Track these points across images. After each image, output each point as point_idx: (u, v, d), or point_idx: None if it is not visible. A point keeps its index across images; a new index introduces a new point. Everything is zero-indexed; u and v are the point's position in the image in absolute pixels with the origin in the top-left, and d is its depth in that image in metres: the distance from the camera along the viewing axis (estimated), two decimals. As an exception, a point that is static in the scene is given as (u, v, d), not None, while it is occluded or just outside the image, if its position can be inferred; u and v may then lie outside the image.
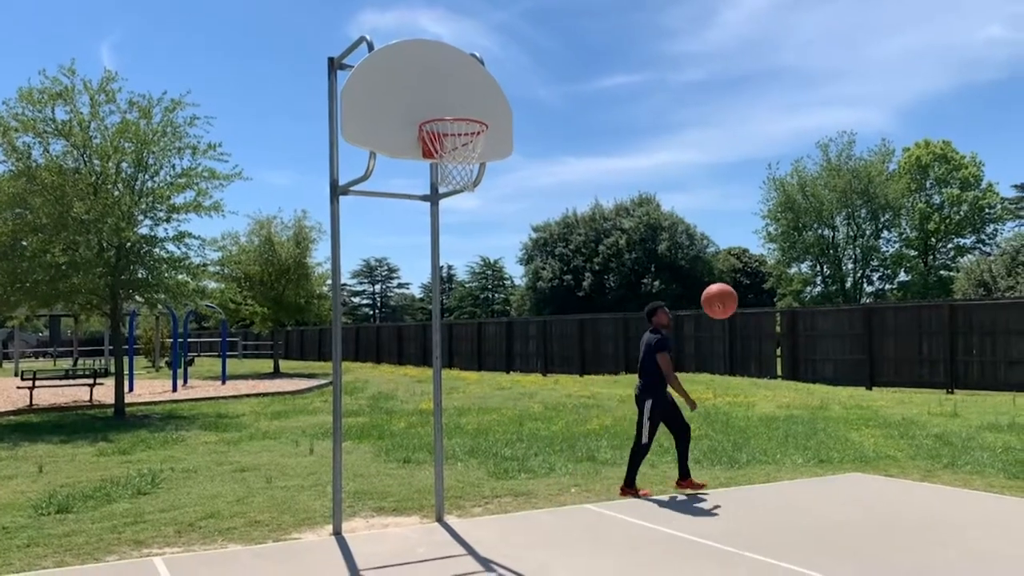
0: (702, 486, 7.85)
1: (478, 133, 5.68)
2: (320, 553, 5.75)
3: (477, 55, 6.39)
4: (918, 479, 8.27)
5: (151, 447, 11.21)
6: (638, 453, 7.65)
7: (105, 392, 19.01)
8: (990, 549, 5.59)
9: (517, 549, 5.72)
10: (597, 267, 54.66)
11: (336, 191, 6.27)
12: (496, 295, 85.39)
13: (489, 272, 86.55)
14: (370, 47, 5.94)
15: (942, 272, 53.63)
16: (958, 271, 51.50)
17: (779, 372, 23.36)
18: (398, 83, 5.86)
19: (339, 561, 5.53)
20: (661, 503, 7.27)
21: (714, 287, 7.94)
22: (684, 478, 7.80)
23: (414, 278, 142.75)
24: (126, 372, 17.80)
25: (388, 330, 42.21)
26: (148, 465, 9.55)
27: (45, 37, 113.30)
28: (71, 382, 19.38)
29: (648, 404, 7.68)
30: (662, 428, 7.87)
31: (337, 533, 6.23)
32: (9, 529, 6.56)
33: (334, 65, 6.27)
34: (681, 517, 6.65)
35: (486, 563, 5.43)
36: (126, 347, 20.03)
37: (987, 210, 53.33)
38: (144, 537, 6.27)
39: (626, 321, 28.34)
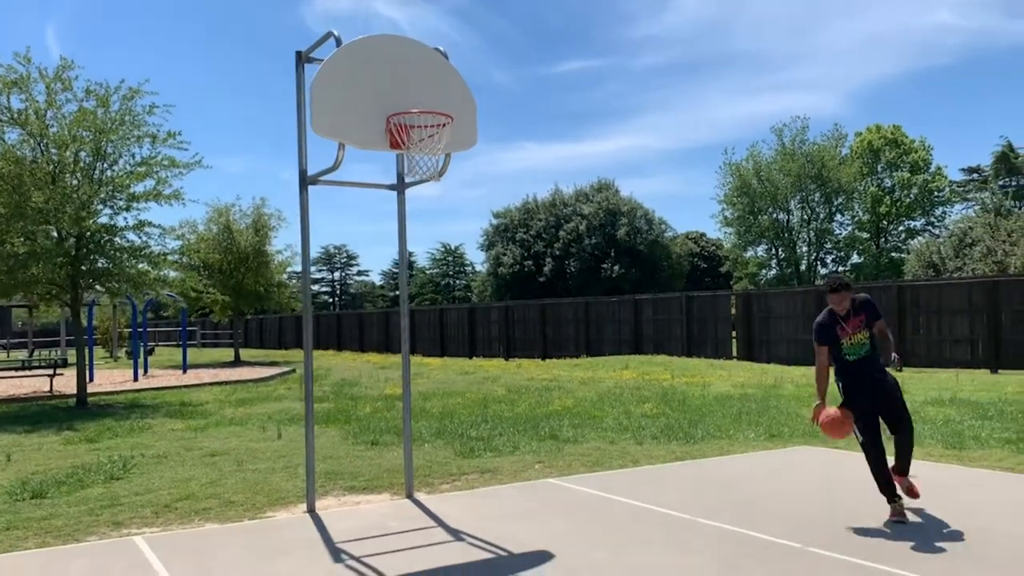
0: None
1: (443, 125, 5.93)
2: (296, 528, 5.99)
3: (441, 49, 6.63)
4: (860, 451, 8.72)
5: (118, 435, 11.29)
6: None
7: (65, 383, 18.90)
8: (909, 508, 6.02)
9: (484, 520, 6.02)
10: (558, 252, 55.11)
11: (305, 181, 6.48)
12: (457, 281, 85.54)
13: (450, 259, 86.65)
14: (338, 42, 6.14)
15: (893, 254, 55.05)
16: (908, 253, 52.91)
17: (735, 353, 23.97)
18: (365, 77, 6.07)
19: (315, 535, 5.79)
20: (620, 477, 7.62)
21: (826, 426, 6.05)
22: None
23: (374, 265, 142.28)
24: (87, 362, 17.70)
25: (349, 317, 42.21)
26: (118, 452, 9.66)
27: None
28: (29, 373, 19.22)
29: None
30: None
31: (311, 510, 6.48)
32: (-14, 514, 6.69)
33: (302, 59, 6.46)
34: (639, 489, 7.00)
35: (455, 533, 5.73)
36: (86, 337, 19.90)
37: (936, 193, 54.79)
38: (122, 519, 6.45)
39: (587, 305, 28.79)
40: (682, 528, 5.72)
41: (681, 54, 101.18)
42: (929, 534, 5.43)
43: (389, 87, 6.12)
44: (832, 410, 5.91)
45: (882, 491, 5.91)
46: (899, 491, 5.97)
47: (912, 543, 5.22)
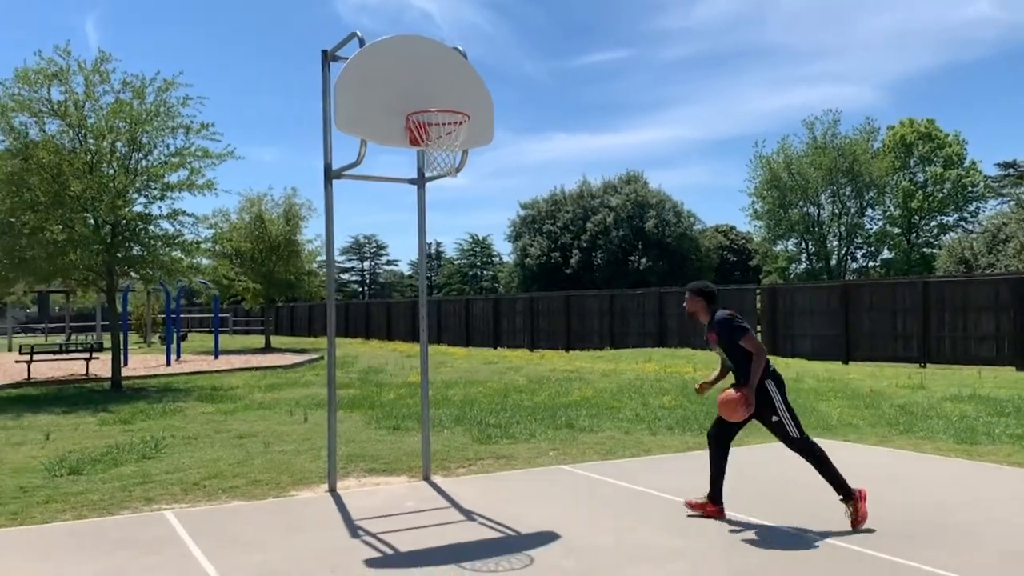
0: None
1: (461, 123, 6.16)
2: (318, 506, 6.30)
3: (460, 48, 6.86)
4: (873, 444, 8.87)
5: (151, 417, 11.71)
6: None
7: (101, 366, 19.48)
8: (907, 501, 6.18)
9: (496, 503, 6.28)
10: (585, 244, 55.17)
11: (330, 175, 6.76)
12: (484, 272, 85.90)
13: (477, 249, 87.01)
14: (361, 42, 6.40)
15: (925, 250, 54.46)
16: (940, 249, 52.34)
17: (759, 347, 23.97)
18: (387, 76, 6.33)
19: (335, 513, 6.08)
20: (632, 465, 7.84)
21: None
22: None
23: (402, 255, 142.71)
24: (121, 347, 18.24)
25: (377, 306, 42.70)
26: (150, 433, 10.06)
27: (28, 11, 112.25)
28: (67, 356, 19.81)
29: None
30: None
31: (332, 490, 6.78)
32: (27, 488, 7.07)
33: (327, 57, 6.73)
34: (649, 476, 7.22)
35: (468, 513, 6.00)
36: (121, 323, 20.45)
37: (970, 188, 54.05)
38: (153, 495, 6.80)
39: (611, 297, 28.94)
40: (685, 513, 5.93)
41: (712, 45, 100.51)
42: (926, 524, 5.59)
43: (409, 86, 6.37)
44: (730, 392, 5.66)
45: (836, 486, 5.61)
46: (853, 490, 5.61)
47: (909, 532, 5.38)
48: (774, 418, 5.64)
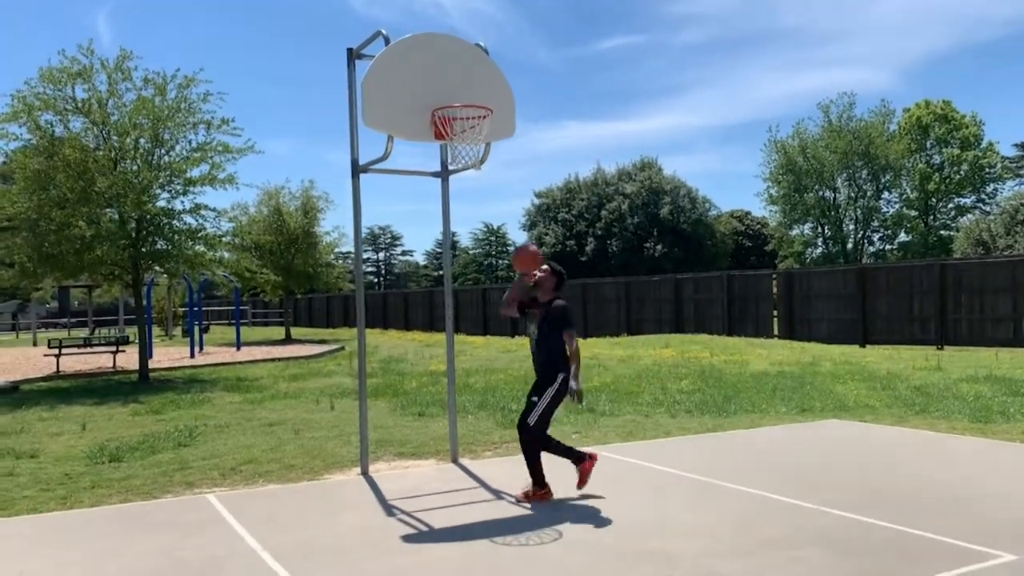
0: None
1: (484, 117, 6.37)
2: (352, 488, 6.56)
3: (482, 44, 7.06)
4: (889, 424, 9.05)
5: (181, 407, 12.02)
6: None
7: (126, 359, 19.87)
8: (919, 474, 6.37)
9: (522, 482, 6.51)
10: (600, 232, 55.29)
11: (357, 170, 6.99)
12: (500, 261, 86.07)
13: (493, 238, 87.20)
14: (386, 40, 6.62)
15: (942, 232, 54.19)
16: (958, 231, 52.08)
17: (776, 332, 24.13)
18: (412, 73, 6.55)
19: (370, 494, 6.35)
20: (652, 446, 8.06)
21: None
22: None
23: (417, 245, 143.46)
24: (147, 339, 18.59)
25: (395, 296, 43.04)
26: (182, 422, 10.37)
27: (40, 5, 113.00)
28: (94, 350, 20.21)
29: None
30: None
31: (364, 473, 7.05)
32: (72, 475, 7.38)
33: (352, 56, 6.95)
34: (668, 456, 7.44)
35: (497, 493, 6.25)
36: (146, 316, 20.83)
37: (987, 169, 53.73)
38: (193, 480, 7.08)
39: (628, 284, 29.11)
40: (705, 490, 6.16)
41: (725, 30, 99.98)
42: (936, 496, 5.78)
43: (433, 82, 6.59)
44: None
45: (568, 456, 6.16)
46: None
47: (921, 503, 5.57)
48: (534, 398, 6.00)
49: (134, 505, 6.24)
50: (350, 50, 6.96)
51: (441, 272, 73.01)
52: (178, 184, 16.48)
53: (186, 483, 6.97)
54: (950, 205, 55.40)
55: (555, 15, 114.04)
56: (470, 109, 6.38)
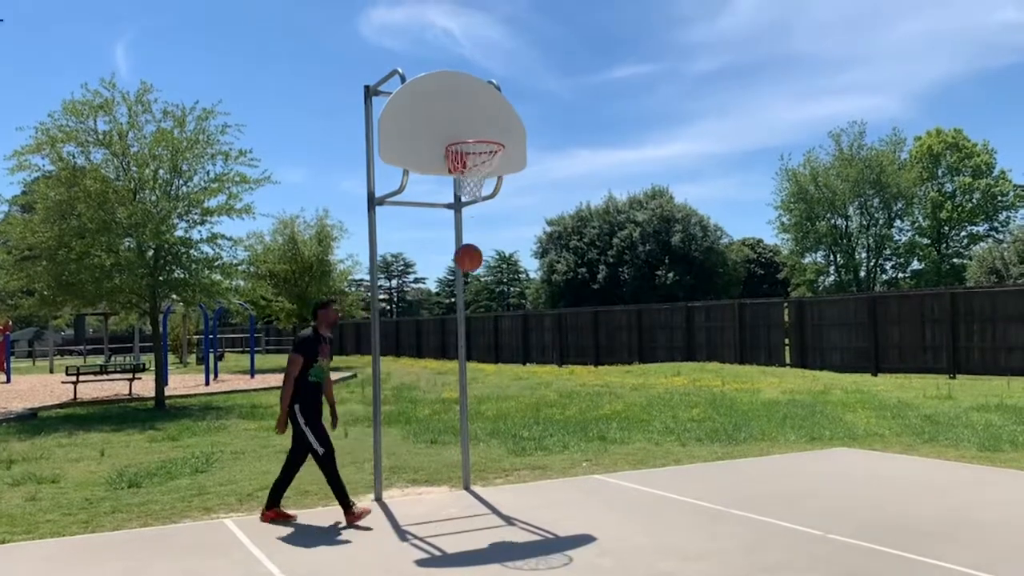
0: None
1: (496, 152, 6.58)
2: (367, 514, 6.68)
3: (495, 82, 7.29)
4: (897, 452, 9.11)
5: (197, 434, 12.19)
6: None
7: (142, 386, 20.09)
8: (926, 502, 6.45)
9: (533, 509, 6.64)
10: (611, 260, 55.40)
11: (373, 202, 7.20)
12: (511, 289, 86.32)
13: (504, 266, 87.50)
14: (402, 79, 6.85)
15: (955, 260, 54.08)
16: (971, 259, 51.97)
17: (787, 360, 24.14)
18: (426, 109, 6.77)
19: (383, 519, 6.48)
20: (662, 474, 8.16)
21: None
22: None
23: (429, 272, 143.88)
24: (163, 367, 18.83)
25: (407, 324, 43.23)
26: (199, 448, 10.53)
27: (59, 35, 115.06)
28: (111, 377, 20.45)
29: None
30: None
31: (378, 499, 7.19)
32: (92, 500, 7.54)
33: (369, 93, 7.18)
34: (678, 484, 7.54)
35: (508, 519, 6.37)
36: (162, 343, 21.08)
37: (1000, 197, 53.67)
38: (210, 505, 7.23)
39: (639, 312, 29.21)
40: (714, 517, 6.26)
41: (736, 58, 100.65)
42: (942, 523, 5.86)
43: (447, 118, 6.81)
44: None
45: (340, 499, 6.50)
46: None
47: (926, 530, 5.66)
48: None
49: (154, 529, 6.40)
50: (367, 87, 7.20)
51: (453, 299, 73.31)
52: (196, 214, 16.77)
53: (204, 508, 7.11)
54: (963, 233, 55.31)
55: (566, 44, 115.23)
56: (483, 144, 6.59)
